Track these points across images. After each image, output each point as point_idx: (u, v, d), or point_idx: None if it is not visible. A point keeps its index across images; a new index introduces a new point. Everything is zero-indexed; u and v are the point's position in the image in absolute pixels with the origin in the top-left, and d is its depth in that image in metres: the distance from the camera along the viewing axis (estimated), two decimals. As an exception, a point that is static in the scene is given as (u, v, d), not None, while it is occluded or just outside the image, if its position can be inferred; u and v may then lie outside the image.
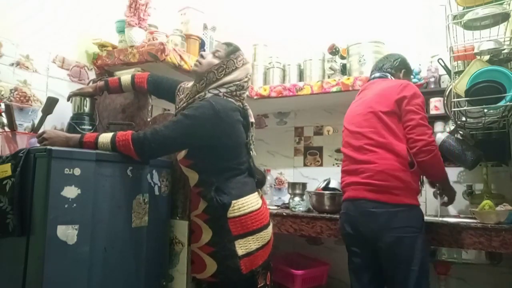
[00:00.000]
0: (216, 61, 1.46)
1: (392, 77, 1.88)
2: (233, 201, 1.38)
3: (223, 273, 1.38)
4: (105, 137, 1.34)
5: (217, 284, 1.42)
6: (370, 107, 1.77)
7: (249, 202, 1.42)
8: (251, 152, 1.53)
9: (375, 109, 1.74)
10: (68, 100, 1.71)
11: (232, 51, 1.49)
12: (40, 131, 1.42)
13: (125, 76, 1.72)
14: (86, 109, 1.71)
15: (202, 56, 1.50)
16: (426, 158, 1.62)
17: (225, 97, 1.44)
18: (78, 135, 1.36)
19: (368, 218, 1.64)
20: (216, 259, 1.39)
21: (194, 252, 1.48)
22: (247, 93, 1.54)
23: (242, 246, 1.37)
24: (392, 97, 1.71)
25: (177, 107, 1.54)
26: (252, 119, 1.55)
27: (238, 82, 1.47)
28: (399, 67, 1.91)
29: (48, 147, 1.16)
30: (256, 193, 1.49)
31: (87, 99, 1.71)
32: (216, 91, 1.43)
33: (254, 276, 1.41)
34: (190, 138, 1.38)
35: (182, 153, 1.44)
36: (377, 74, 1.92)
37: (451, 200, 1.86)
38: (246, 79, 1.50)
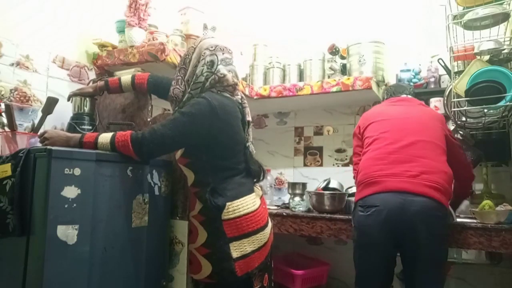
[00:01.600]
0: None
1: None
2: (228, 203, 1.36)
3: (218, 274, 1.37)
4: (105, 137, 1.34)
5: (213, 285, 1.41)
6: (431, 121, 1.77)
7: (245, 204, 1.40)
8: (249, 149, 1.52)
9: (436, 126, 1.76)
10: (68, 100, 1.71)
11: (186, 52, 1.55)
12: (41, 131, 1.42)
13: (125, 77, 1.71)
14: (86, 109, 1.70)
15: None
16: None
17: (219, 92, 1.43)
18: (79, 135, 1.36)
19: (423, 217, 1.54)
20: (211, 261, 1.38)
21: (192, 252, 1.47)
22: (232, 76, 1.47)
23: (237, 249, 1.36)
24: (443, 126, 1.79)
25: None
26: (249, 118, 1.54)
27: (205, 68, 1.42)
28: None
29: (48, 147, 1.16)
30: (254, 194, 1.47)
31: (87, 99, 1.71)
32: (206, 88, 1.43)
33: (250, 278, 1.40)
34: (188, 136, 1.37)
35: (179, 152, 1.44)
36: (408, 96, 1.97)
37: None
38: (211, 57, 1.43)
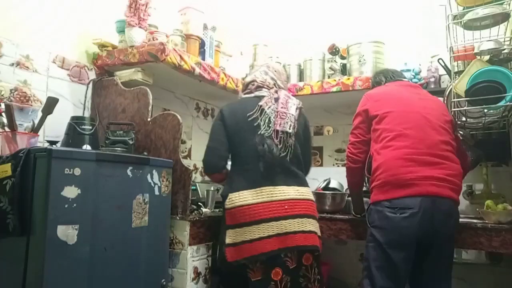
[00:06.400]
0: None
1: None
2: (230, 194, 1.55)
3: (218, 258, 1.59)
4: None
5: (218, 268, 1.64)
6: (443, 115, 1.76)
7: (243, 197, 1.53)
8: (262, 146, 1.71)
9: (449, 117, 1.77)
10: None
11: None
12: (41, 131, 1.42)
13: None
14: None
15: None
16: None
17: (240, 98, 1.80)
18: None
19: (448, 218, 1.60)
20: (217, 245, 1.63)
21: None
22: (252, 77, 1.79)
23: (230, 236, 1.52)
24: (448, 114, 1.81)
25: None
26: (267, 106, 1.71)
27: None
28: None
29: (48, 146, 1.17)
30: (258, 189, 1.54)
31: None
32: None
33: (243, 268, 1.50)
34: (216, 138, 1.69)
35: None
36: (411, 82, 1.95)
37: None
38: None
